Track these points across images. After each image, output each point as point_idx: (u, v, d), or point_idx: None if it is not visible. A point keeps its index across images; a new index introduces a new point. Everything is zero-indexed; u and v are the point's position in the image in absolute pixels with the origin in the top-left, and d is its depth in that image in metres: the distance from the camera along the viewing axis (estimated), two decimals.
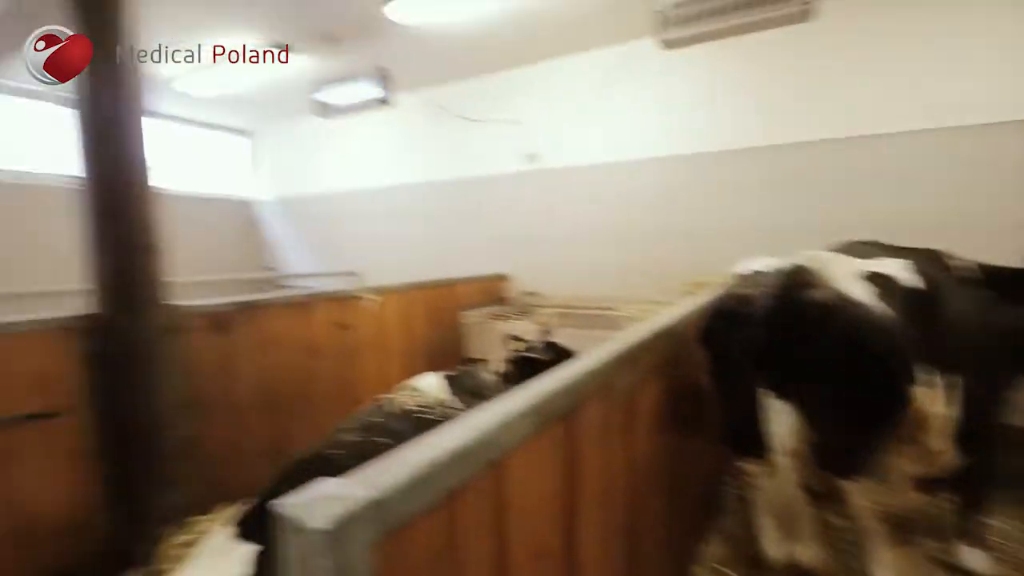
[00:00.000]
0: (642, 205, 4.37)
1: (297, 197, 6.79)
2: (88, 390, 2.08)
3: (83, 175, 2.10)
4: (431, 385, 2.45)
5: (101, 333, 2.09)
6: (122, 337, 2.08)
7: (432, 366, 3.61)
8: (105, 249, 2.10)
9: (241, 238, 6.98)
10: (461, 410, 2.40)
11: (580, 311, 4.17)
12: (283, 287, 6.36)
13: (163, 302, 2.19)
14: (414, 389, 2.39)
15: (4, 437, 1.90)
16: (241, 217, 7.06)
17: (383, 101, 3.83)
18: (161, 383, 2.17)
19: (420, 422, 2.21)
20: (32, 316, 2.01)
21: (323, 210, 6.45)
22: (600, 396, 1.12)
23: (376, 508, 0.52)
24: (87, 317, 2.08)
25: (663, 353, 1.60)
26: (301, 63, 4.47)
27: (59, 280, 3.90)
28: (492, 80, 5.00)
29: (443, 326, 3.90)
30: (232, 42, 4.11)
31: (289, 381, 2.79)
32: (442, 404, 2.35)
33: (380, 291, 3.34)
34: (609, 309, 3.94)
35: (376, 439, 2.07)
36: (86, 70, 2.05)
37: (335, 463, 1.97)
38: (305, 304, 2.88)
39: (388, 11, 3.52)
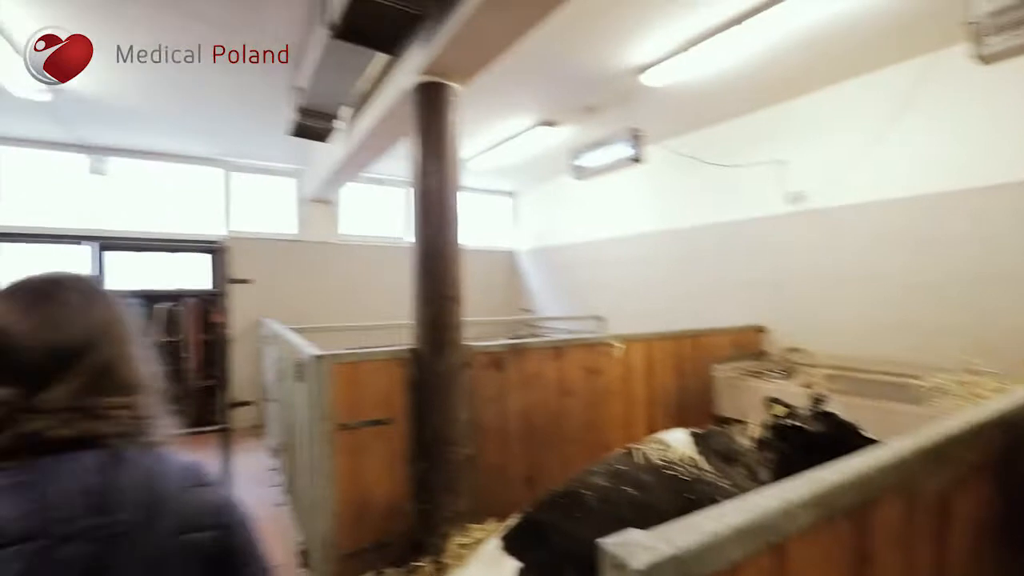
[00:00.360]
0: (947, 247, 3.53)
1: (550, 247, 7.56)
2: (407, 407, 2.73)
3: (414, 240, 2.83)
4: (679, 441, 2.42)
5: (418, 364, 2.73)
6: (431, 368, 2.68)
7: (676, 419, 3.55)
8: (424, 299, 2.76)
9: (504, 284, 8.11)
10: (710, 472, 2.30)
11: (862, 375, 3.54)
12: (538, 328, 7.10)
13: (460, 342, 2.74)
14: (661, 443, 2.40)
15: (358, 435, 2.63)
16: (504, 266, 8.22)
17: (635, 159, 4.08)
18: (455, 408, 2.70)
19: (666, 478, 2.21)
20: (380, 348, 2.77)
21: (572, 258, 7.03)
22: (900, 494, 0.98)
23: (675, 563, 0.61)
24: (410, 351, 2.75)
25: (994, 448, 1.29)
26: (563, 134, 5.10)
27: (399, 316, 5.35)
28: (748, 121, 4.80)
29: (690, 378, 3.79)
30: (509, 125, 4.96)
31: (545, 416, 3.12)
32: (691, 463, 2.31)
33: (625, 339, 3.47)
34: (907, 376, 3.23)
35: (623, 487, 2.15)
36: (421, 161, 2.78)
37: (584, 502, 2.12)
38: (560, 348, 3.20)
39: (643, 79, 3.78)
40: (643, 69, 3.70)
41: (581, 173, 4.72)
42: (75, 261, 5.80)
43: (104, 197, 6.02)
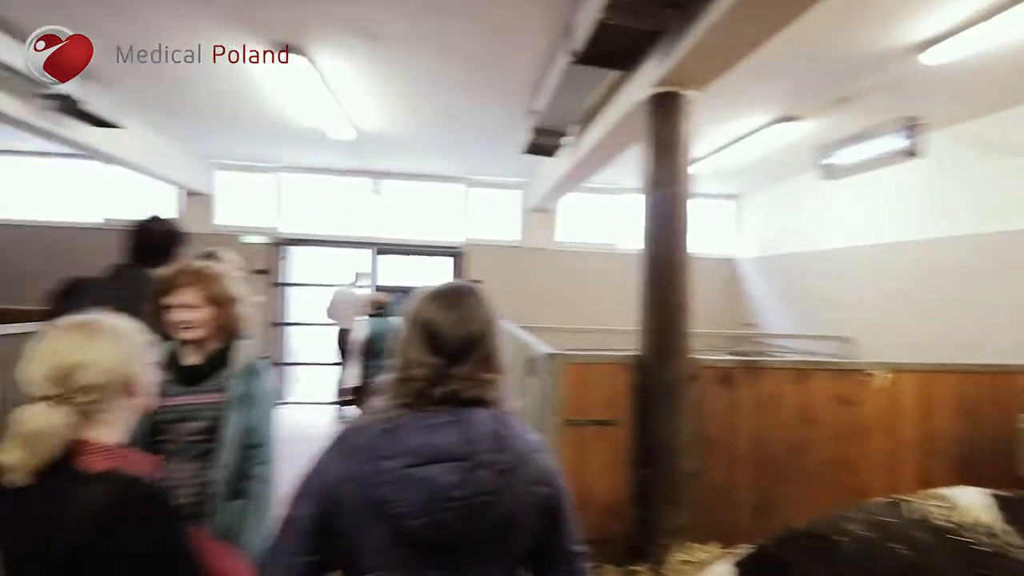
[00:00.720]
0: None
1: (781, 255, 6.77)
2: (630, 411, 2.79)
3: (642, 248, 2.86)
4: (972, 502, 1.97)
5: (643, 371, 2.76)
6: (657, 377, 2.69)
7: (961, 473, 2.86)
8: (651, 307, 2.78)
9: (723, 295, 7.54)
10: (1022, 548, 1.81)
11: None
12: (763, 345, 6.44)
13: (687, 353, 2.69)
14: (945, 500, 1.98)
15: (583, 432, 2.78)
16: (724, 275, 7.65)
17: (909, 153, 3.38)
18: (680, 419, 2.66)
19: (953, 543, 1.82)
20: (606, 352, 2.89)
21: (810, 268, 6.16)
22: None
23: None
24: (635, 357, 2.80)
25: None
26: (805, 128, 4.54)
27: (608, 321, 5.53)
28: None
29: (986, 426, 2.98)
30: (741, 124, 4.62)
31: (782, 444, 2.83)
32: (988, 531, 1.86)
33: (892, 367, 2.92)
34: None
35: (891, 544, 1.85)
36: (651, 170, 2.79)
37: (838, 549, 1.87)
38: (804, 371, 2.87)
39: (923, 58, 3.13)
40: (924, 47, 3.06)
41: (832, 172, 4.13)
42: (359, 262, 7.39)
43: (378, 211, 7.53)
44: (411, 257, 7.66)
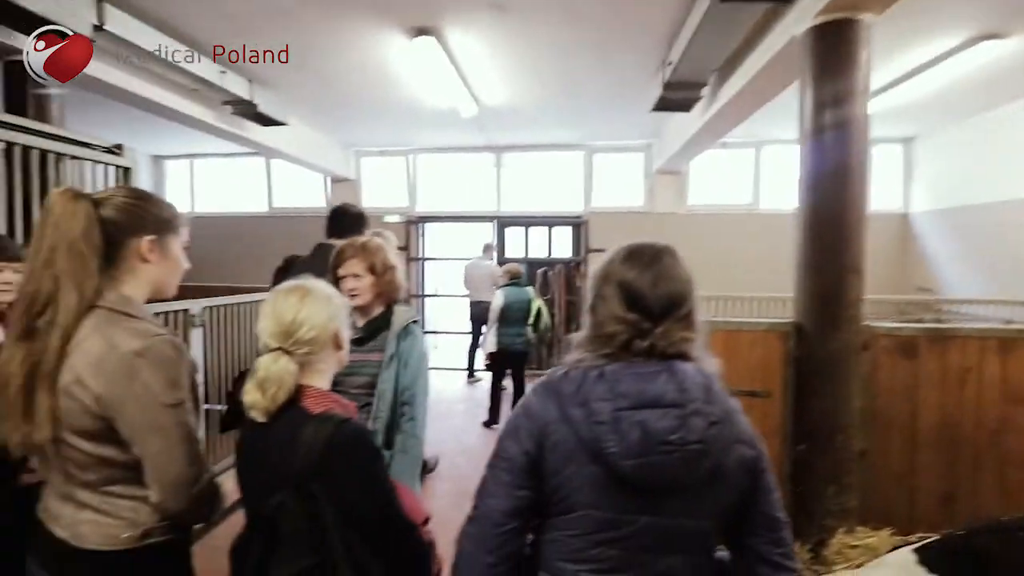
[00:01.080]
0: None
1: (969, 207, 5.65)
2: (785, 383, 2.57)
3: (803, 205, 2.56)
4: None
5: (801, 339, 2.52)
6: (820, 346, 2.43)
7: None
8: (813, 269, 2.50)
9: (889, 254, 6.52)
10: None
11: None
12: (944, 313, 5.51)
13: (858, 320, 2.39)
14: None
15: None
16: (890, 231, 6.61)
17: None
18: (846, 393, 2.39)
19: None
20: (758, 320, 2.68)
21: (1012, 221, 5.07)
22: None
23: None
24: (793, 325, 2.56)
25: None
26: (1010, 47, 3.67)
27: (772, 288, 5.14)
28: None
29: None
30: (920, 52, 3.88)
31: (976, 425, 2.43)
32: None
33: None
34: None
35: None
36: (812, 115, 2.46)
37: None
38: (1009, 341, 2.40)
39: None
40: None
41: None
42: (484, 235, 7.64)
43: (501, 185, 7.69)
44: (534, 228, 7.74)
